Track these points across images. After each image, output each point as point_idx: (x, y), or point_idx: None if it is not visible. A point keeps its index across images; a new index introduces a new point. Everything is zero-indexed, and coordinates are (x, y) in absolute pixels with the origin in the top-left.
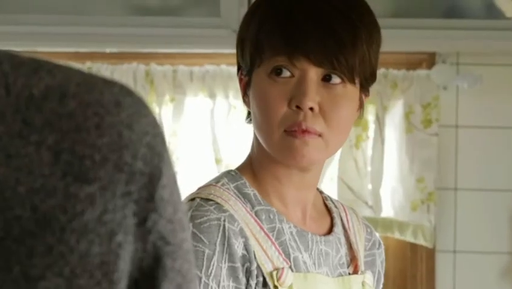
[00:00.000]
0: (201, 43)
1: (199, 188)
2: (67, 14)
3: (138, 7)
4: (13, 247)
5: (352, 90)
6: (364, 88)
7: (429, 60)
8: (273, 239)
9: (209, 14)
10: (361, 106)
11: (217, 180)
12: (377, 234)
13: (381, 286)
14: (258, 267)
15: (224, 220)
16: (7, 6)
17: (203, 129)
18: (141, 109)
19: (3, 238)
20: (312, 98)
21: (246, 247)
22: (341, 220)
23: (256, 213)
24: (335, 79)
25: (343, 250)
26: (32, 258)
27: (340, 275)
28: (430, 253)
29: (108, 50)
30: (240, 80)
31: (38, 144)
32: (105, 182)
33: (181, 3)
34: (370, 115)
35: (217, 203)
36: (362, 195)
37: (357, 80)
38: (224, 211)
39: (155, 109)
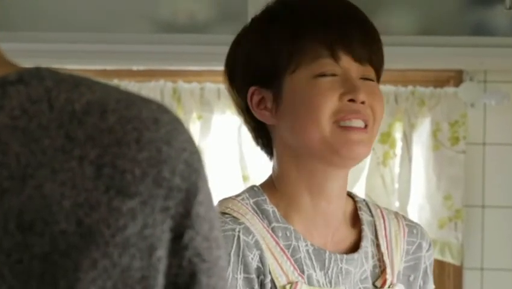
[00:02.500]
0: None
1: (219, 201)
2: (95, 32)
3: (165, 24)
4: (60, 262)
5: (376, 85)
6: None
7: (457, 78)
8: (289, 255)
9: (237, 31)
10: None
11: (238, 194)
12: (426, 235)
13: (430, 287)
14: (272, 280)
15: (239, 231)
16: (36, 24)
17: (231, 146)
18: (179, 127)
19: (50, 252)
20: (363, 91)
21: (261, 259)
22: (376, 229)
23: (272, 229)
24: (371, 75)
25: (370, 262)
26: (78, 272)
27: None
28: (458, 271)
29: (135, 67)
30: (251, 97)
31: (81, 159)
32: (145, 197)
33: (208, 21)
34: (397, 132)
35: (233, 216)
36: None
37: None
38: (240, 224)
39: None
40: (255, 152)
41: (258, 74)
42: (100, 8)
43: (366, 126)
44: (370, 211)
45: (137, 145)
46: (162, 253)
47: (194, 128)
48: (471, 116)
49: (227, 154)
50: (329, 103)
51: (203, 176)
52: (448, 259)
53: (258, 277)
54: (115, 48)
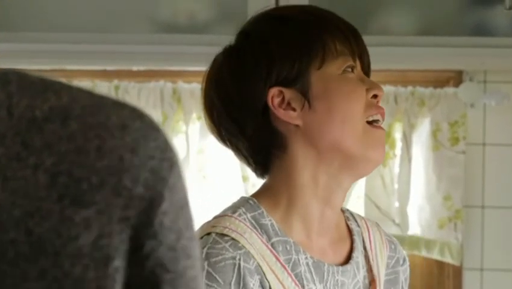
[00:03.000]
0: None
1: (215, 218)
2: (95, 32)
3: (165, 25)
4: (8, 271)
5: None
6: None
7: (457, 78)
8: (289, 271)
9: (237, 31)
10: None
11: (234, 209)
12: (402, 250)
13: None
14: None
15: (239, 259)
16: (36, 25)
17: None
18: (150, 133)
19: None
20: None
21: (262, 283)
22: (363, 240)
23: (272, 245)
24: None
25: (361, 273)
26: (26, 282)
27: None
28: (458, 271)
29: (135, 68)
30: (273, 98)
31: (35, 167)
32: (102, 206)
33: (208, 21)
34: (397, 133)
35: (233, 238)
36: (389, 213)
37: None
38: (240, 248)
39: (182, 127)
40: None
41: (279, 74)
42: (100, 8)
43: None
44: (356, 222)
45: (97, 153)
46: (120, 263)
47: (194, 128)
48: (471, 116)
49: (227, 154)
50: (361, 98)
51: (172, 184)
52: (448, 259)
53: None
54: (115, 48)
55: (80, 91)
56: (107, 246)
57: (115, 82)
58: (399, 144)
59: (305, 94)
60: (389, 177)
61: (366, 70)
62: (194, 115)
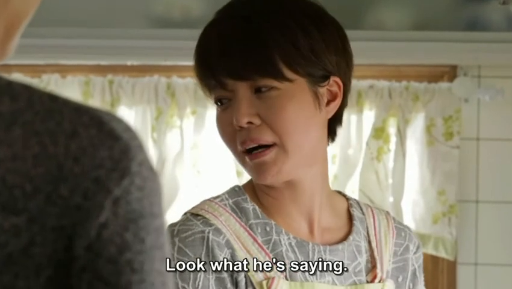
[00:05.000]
0: None
1: (200, 203)
2: (89, 27)
3: (159, 20)
4: None
5: (291, 88)
6: (319, 78)
7: (451, 73)
8: (268, 251)
9: None
10: (317, 96)
11: (218, 195)
12: (414, 238)
13: (420, 287)
14: (248, 277)
15: (208, 232)
16: (30, 20)
17: None
18: (104, 142)
19: None
20: (245, 113)
21: (233, 258)
22: (367, 227)
23: (250, 226)
24: (264, 86)
25: (364, 257)
26: None
27: (354, 283)
28: (452, 266)
29: (129, 62)
30: None
31: None
32: (34, 214)
33: (202, 16)
34: (391, 127)
35: (205, 217)
36: (384, 207)
37: (296, 76)
38: (211, 225)
39: (176, 122)
40: None
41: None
42: (95, 3)
43: (271, 145)
44: (361, 210)
45: (34, 160)
46: (52, 273)
47: (188, 123)
48: (465, 111)
49: (221, 149)
50: (230, 137)
51: (117, 196)
52: (442, 254)
53: (231, 276)
54: (110, 43)
55: (43, 95)
56: (39, 255)
57: (110, 76)
58: (393, 139)
59: None
60: (383, 172)
61: (237, 77)
62: (188, 110)
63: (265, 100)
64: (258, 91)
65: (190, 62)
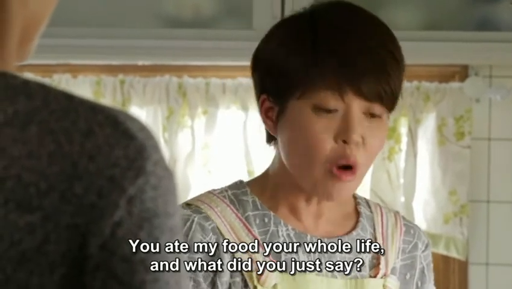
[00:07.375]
0: (234, 56)
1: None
2: (100, 27)
3: (170, 20)
4: None
5: (386, 119)
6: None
7: (462, 73)
8: (261, 242)
9: (242, 26)
10: None
11: (219, 188)
12: (423, 236)
13: (429, 286)
14: (236, 267)
15: (195, 217)
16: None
17: (236, 141)
18: (119, 141)
19: None
20: (360, 130)
21: (218, 244)
22: (374, 224)
23: (247, 218)
24: (378, 111)
25: (368, 253)
26: None
27: (355, 277)
28: (463, 266)
29: (140, 62)
30: (263, 102)
31: None
32: (49, 212)
33: (213, 16)
34: (402, 127)
35: (198, 207)
36: (395, 207)
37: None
38: (201, 213)
39: (187, 122)
40: (260, 147)
41: (271, 86)
42: (105, 3)
43: (355, 166)
44: (370, 208)
45: (49, 158)
46: (66, 271)
47: (200, 123)
48: (476, 111)
49: (233, 149)
50: (326, 146)
51: (131, 194)
52: (453, 254)
53: (208, 262)
54: (120, 43)
55: (59, 94)
56: (53, 252)
57: (121, 76)
58: (404, 139)
59: (278, 116)
60: (394, 172)
61: (372, 99)
62: (199, 110)
63: (372, 123)
64: (370, 114)
65: (201, 62)
